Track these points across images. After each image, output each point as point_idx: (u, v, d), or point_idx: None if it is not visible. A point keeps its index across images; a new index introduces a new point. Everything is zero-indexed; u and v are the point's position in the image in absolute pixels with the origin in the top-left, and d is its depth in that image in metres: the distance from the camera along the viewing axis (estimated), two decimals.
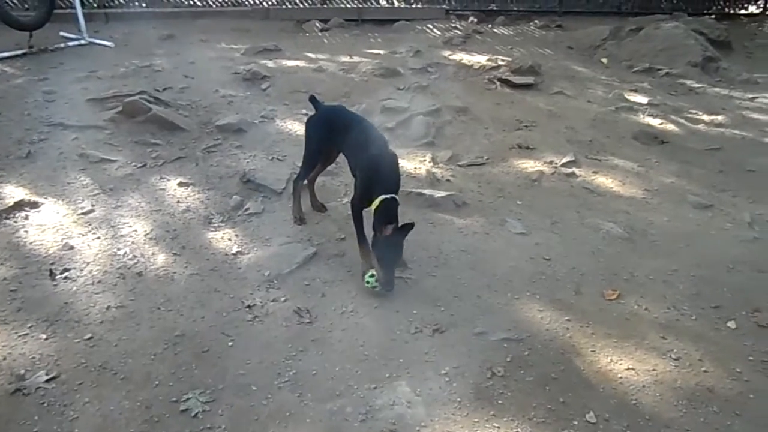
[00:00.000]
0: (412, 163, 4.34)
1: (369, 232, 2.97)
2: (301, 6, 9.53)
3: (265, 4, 9.34)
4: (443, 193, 3.79)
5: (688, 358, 2.55)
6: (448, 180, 4.15)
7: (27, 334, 2.54)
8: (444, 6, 9.84)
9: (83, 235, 3.26)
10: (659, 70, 7.21)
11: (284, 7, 9.35)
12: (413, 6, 9.95)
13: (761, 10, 11.31)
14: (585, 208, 3.89)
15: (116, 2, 8.81)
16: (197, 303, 2.78)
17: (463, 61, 6.93)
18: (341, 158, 3.44)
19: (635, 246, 3.45)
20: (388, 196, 2.83)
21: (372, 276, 2.84)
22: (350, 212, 3.06)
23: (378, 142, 3.06)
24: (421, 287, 2.96)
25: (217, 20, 8.60)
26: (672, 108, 5.91)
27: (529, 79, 6.21)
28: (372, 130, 3.19)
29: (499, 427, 2.19)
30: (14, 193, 3.60)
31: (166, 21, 8.10)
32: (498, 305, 2.86)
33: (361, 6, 9.58)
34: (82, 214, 3.46)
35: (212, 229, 3.41)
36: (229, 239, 3.30)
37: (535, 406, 2.28)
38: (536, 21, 9.64)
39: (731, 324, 2.78)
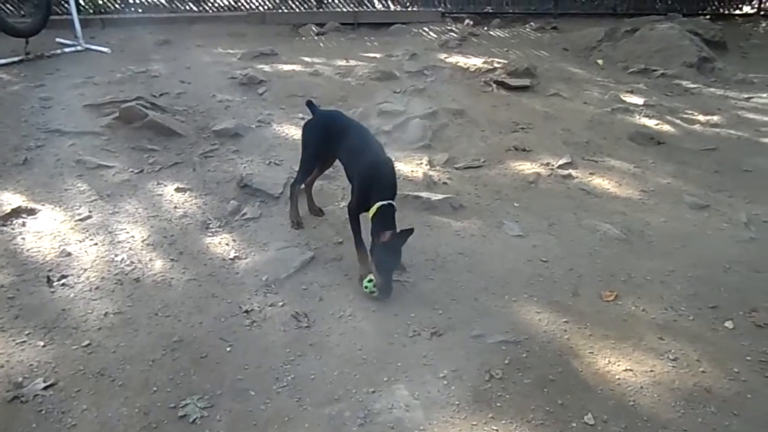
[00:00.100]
0: (409, 166, 4.35)
1: (366, 237, 2.97)
2: (297, 10, 9.56)
3: (261, 8, 9.37)
4: (440, 196, 3.80)
5: (685, 359, 2.55)
6: (444, 183, 4.15)
7: (24, 341, 2.54)
8: (440, 9, 9.87)
9: (80, 241, 3.26)
10: (655, 71, 7.23)
11: (280, 11, 9.38)
12: (409, 9, 9.98)
13: (756, 10, 11.35)
14: (582, 209, 3.90)
15: (112, 8, 8.83)
16: (195, 308, 2.78)
17: (459, 64, 6.94)
18: (338, 162, 3.44)
19: (632, 247, 3.46)
20: (385, 202, 2.83)
21: (370, 281, 2.85)
22: (347, 216, 3.06)
23: (374, 148, 3.06)
24: (418, 290, 2.97)
25: (213, 25, 8.62)
26: (668, 109, 5.93)
27: (525, 81, 6.23)
28: (368, 135, 3.20)
29: (497, 430, 2.19)
30: (11, 200, 3.60)
31: (162, 26, 8.12)
32: (495, 308, 2.86)
33: (357, 10, 9.61)
34: (80, 220, 3.46)
35: (210, 234, 3.41)
36: (227, 244, 3.30)
37: (533, 408, 2.28)
38: (532, 23, 9.67)
39: (728, 324, 2.78)
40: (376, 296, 2.84)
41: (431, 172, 4.26)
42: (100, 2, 8.81)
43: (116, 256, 3.15)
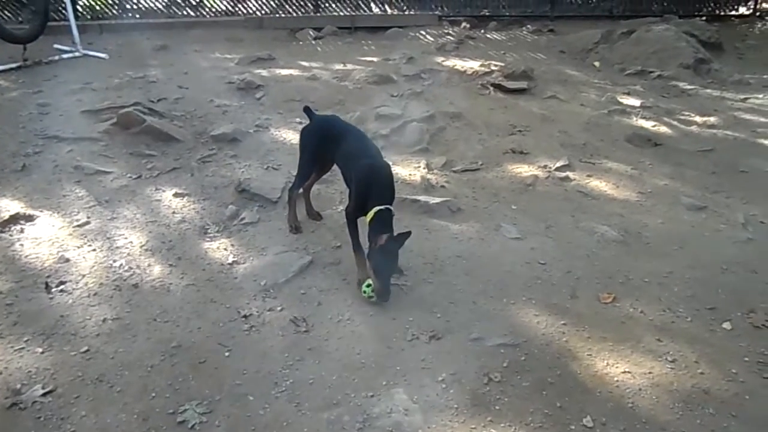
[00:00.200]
0: (407, 170, 4.35)
1: (364, 241, 2.98)
2: (295, 15, 9.57)
3: (258, 13, 9.38)
4: (438, 199, 3.81)
5: (683, 360, 2.56)
6: (442, 186, 4.16)
7: (23, 348, 2.54)
8: (436, 12, 9.88)
9: (79, 247, 3.26)
10: (651, 72, 7.25)
11: (277, 15, 9.39)
12: (406, 13, 9.99)
13: (751, 11, 11.39)
14: (579, 211, 3.91)
15: (110, 14, 8.84)
16: (193, 314, 2.78)
17: (456, 67, 6.96)
18: (336, 166, 3.45)
19: (630, 249, 3.47)
20: (382, 207, 2.84)
21: (369, 285, 2.85)
22: (345, 221, 3.06)
23: (372, 152, 3.07)
24: (416, 294, 2.97)
25: (210, 30, 8.62)
26: (664, 110, 5.94)
27: (522, 84, 6.25)
28: (366, 139, 3.21)
29: None
30: (9, 206, 3.60)
31: (159, 32, 8.12)
32: (494, 311, 2.87)
33: (354, 14, 9.62)
34: (78, 226, 3.46)
35: (208, 239, 3.41)
36: (225, 249, 3.31)
37: (532, 411, 2.29)
38: (528, 26, 9.68)
39: (726, 325, 2.79)
40: (375, 300, 2.84)
41: (429, 176, 4.26)
42: (98, 8, 8.83)
43: (114, 261, 3.15)
